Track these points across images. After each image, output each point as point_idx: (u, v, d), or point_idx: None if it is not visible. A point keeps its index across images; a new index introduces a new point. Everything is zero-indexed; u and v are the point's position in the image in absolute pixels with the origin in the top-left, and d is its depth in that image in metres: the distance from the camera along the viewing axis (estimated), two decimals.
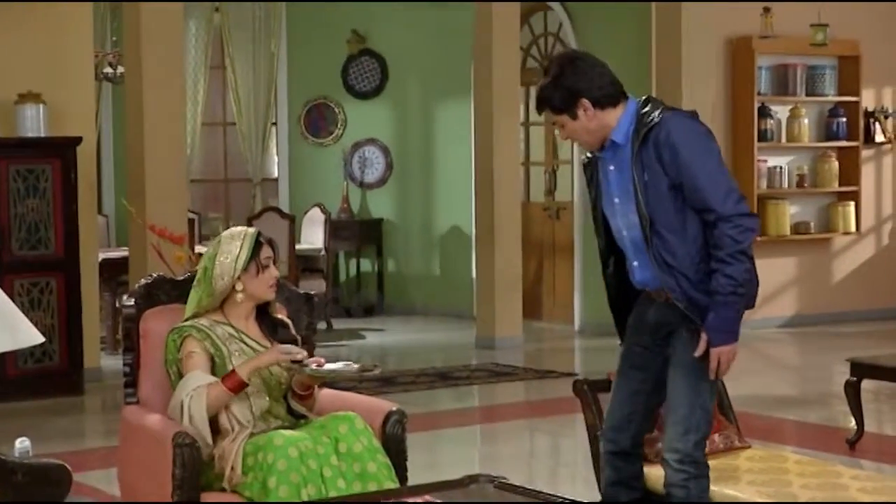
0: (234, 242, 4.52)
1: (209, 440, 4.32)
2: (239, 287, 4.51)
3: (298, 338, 4.68)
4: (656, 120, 4.21)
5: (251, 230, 4.59)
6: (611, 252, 4.50)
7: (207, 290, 4.51)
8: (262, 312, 4.64)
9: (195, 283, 4.57)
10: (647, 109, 4.27)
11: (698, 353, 4.22)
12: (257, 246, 4.53)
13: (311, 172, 14.20)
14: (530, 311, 12.40)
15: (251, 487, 4.21)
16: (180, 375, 4.45)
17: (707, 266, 4.21)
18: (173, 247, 7.85)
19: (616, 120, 4.27)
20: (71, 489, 2.87)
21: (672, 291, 4.21)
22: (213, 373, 4.44)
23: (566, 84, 4.25)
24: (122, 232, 12.49)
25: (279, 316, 4.69)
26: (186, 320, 4.53)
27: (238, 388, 4.36)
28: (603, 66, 4.32)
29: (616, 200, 4.35)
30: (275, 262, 4.58)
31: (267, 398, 4.49)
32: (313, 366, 4.39)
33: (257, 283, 4.52)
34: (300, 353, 4.39)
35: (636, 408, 4.48)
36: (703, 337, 4.21)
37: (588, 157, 4.47)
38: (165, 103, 9.44)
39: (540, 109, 4.39)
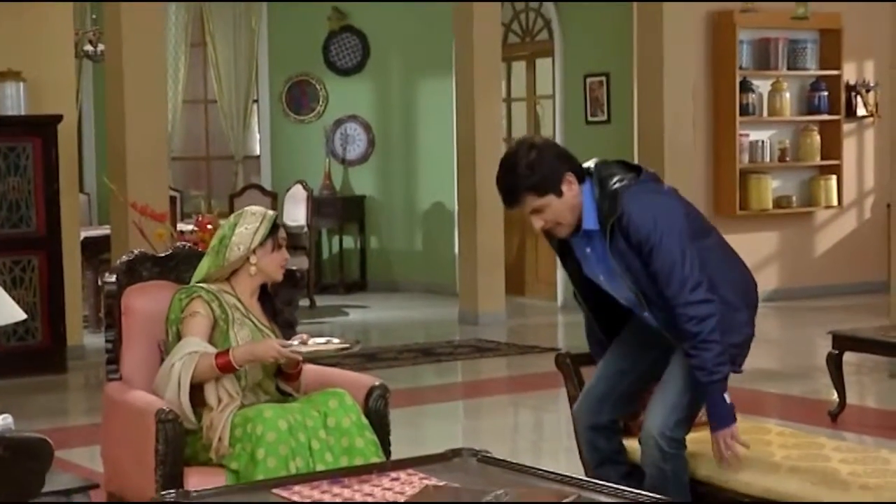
0: (255, 217, 4.59)
1: (188, 409, 4.32)
2: (253, 260, 4.54)
3: (296, 321, 4.72)
4: (618, 209, 4.19)
5: (271, 212, 4.66)
6: (596, 311, 4.58)
7: (219, 260, 4.55)
8: (265, 294, 4.66)
9: (209, 250, 4.62)
10: (604, 189, 4.23)
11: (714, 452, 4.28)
12: (275, 227, 4.59)
13: (293, 149, 14.17)
14: (513, 286, 12.42)
15: (239, 459, 4.22)
16: (179, 337, 4.45)
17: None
18: (155, 224, 7.84)
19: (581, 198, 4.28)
20: (52, 464, 2.87)
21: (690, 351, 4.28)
22: (212, 338, 4.45)
23: (549, 164, 4.22)
24: (103, 210, 12.46)
25: (277, 302, 4.72)
26: (195, 283, 4.55)
27: (228, 370, 4.37)
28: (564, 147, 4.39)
29: (601, 278, 4.41)
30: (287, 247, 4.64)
31: (261, 371, 4.50)
32: (296, 343, 4.41)
33: (270, 259, 4.57)
34: (297, 357, 4.41)
35: (617, 387, 4.52)
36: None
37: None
38: (146, 81, 9.39)
39: (517, 201, 4.25)
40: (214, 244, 4.59)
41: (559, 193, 4.22)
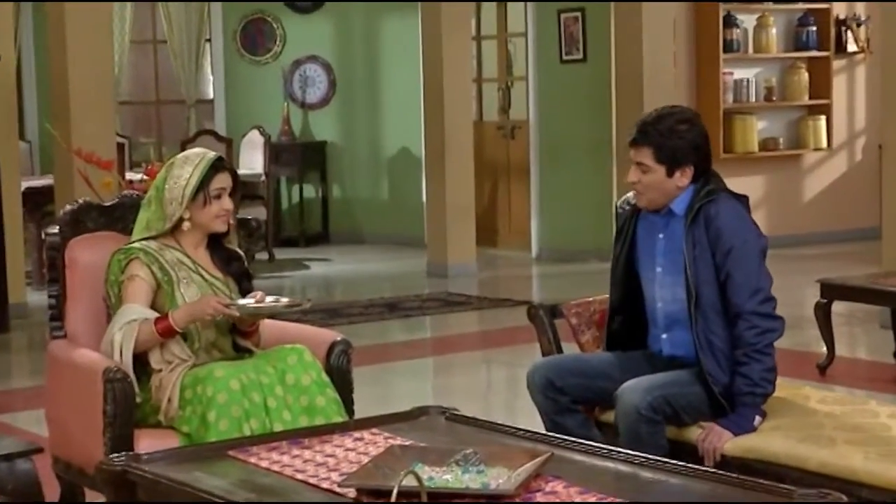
0: (185, 167, 4.47)
1: (133, 381, 4.30)
2: (186, 215, 4.47)
3: (251, 271, 4.67)
4: (712, 198, 4.40)
5: (210, 155, 4.52)
6: (622, 309, 4.67)
7: (158, 213, 4.49)
8: (217, 242, 4.60)
9: (145, 202, 4.55)
10: (707, 185, 4.44)
11: (698, 435, 4.32)
12: (213, 172, 4.47)
13: (249, 93, 14.11)
14: (484, 237, 12.43)
15: (189, 422, 4.22)
16: (120, 300, 4.43)
17: None
18: (101, 173, 7.80)
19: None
20: None
21: (711, 374, 4.36)
22: (158, 300, 4.42)
23: (685, 144, 4.41)
24: (46, 159, 12.40)
25: (233, 248, 4.65)
26: (134, 242, 4.50)
27: (169, 335, 4.35)
28: None
29: (658, 269, 4.53)
30: (234, 193, 4.52)
31: (214, 330, 4.48)
32: (250, 301, 4.39)
33: (204, 213, 4.47)
34: (235, 314, 4.37)
35: (592, 381, 4.55)
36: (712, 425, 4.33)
37: (626, 208, 4.63)
38: (90, 20, 9.31)
39: (637, 144, 4.44)
40: (150, 195, 4.53)
41: (670, 173, 4.42)
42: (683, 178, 4.43)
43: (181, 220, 4.48)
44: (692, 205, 4.41)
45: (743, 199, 4.53)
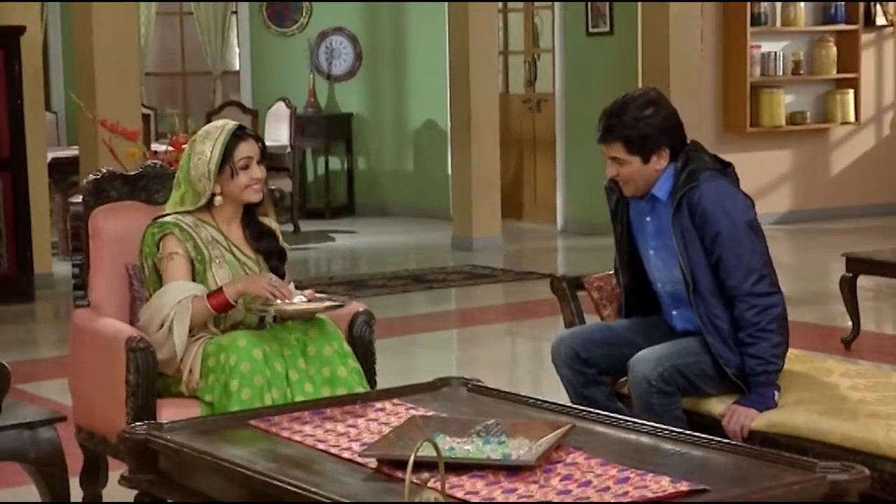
0: (207, 142, 4.43)
1: (179, 358, 4.29)
2: (217, 190, 4.44)
3: (286, 248, 4.64)
4: (693, 183, 4.32)
5: (230, 125, 4.48)
6: (634, 288, 4.65)
7: (190, 191, 4.44)
8: (251, 216, 4.56)
9: (175, 183, 4.51)
10: (687, 165, 4.36)
11: (723, 413, 4.30)
12: (236, 141, 4.43)
13: (275, 64, 14.10)
14: (509, 209, 12.42)
15: (212, 391, 4.21)
16: (156, 270, 4.41)
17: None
18: (126, 143, 7.80)
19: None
20: (9, 389, 2.87)
21: (721, 356, 4.34)
22: (193, 277, 4.41)
23: (654, 128, 4.35)
24: (72, 130, 12.42)
25: (266, 222, 4.60)
26: (168, 215, 4.46)
27: (224, 308, 4.33)
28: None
29: (651, 252, 4.52)
30: (261, 161, 4.47)
31: (242, 310, 4.46)
32: (301, 297, 4.36)
33: (233, 185, 4.43)
34: (286, 292, 4.34)
35: (616, 349, 4.53)
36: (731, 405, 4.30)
37: (613, 186, 4.55)
38: None
39: (606, 141, 4.39)
40: (178, 176, 4.49)
41: (646, 160, 4.37)
42: (661, 160, 4.38)
43: (213, 195, 4.46)
44: (675, 192, 4.35)
45: (728, 171, 4.46)
